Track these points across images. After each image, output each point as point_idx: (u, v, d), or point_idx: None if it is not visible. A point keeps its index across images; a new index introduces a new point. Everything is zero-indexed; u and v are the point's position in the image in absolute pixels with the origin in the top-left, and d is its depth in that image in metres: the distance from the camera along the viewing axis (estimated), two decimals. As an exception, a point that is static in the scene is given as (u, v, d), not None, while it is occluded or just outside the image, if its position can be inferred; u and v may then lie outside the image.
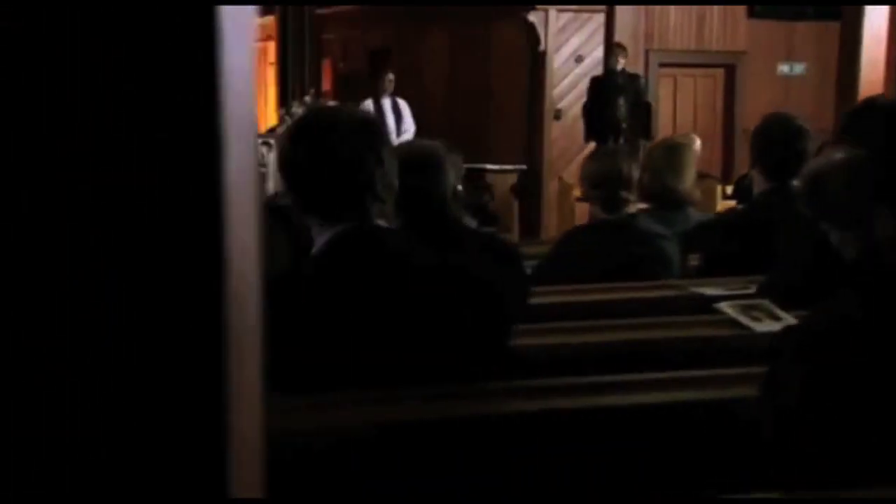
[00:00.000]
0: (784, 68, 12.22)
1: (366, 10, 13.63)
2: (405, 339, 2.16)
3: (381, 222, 2.24)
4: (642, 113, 10.61)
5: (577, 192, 8.67)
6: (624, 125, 10.29)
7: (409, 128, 11.29)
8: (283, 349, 2.13)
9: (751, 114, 10.89)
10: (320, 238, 2.21)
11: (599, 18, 11.79)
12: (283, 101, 14.36)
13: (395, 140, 10.68)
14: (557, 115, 11.76)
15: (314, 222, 2.23)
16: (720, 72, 12.32)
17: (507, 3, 11.76)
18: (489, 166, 11.44)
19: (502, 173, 11.41)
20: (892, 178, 1.65)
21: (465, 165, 11.71)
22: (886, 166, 1.67)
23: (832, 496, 1.57)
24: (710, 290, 3.55)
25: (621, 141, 10.10)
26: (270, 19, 15.28)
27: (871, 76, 9.38)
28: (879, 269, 1.71)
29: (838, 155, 2.48)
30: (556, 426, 2.26)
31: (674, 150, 4.79)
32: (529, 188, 11.42)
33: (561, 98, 11.79)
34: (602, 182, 3.79)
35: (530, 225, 10.88)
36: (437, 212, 3.03)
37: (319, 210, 2.21)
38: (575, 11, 11.75)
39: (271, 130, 11.96)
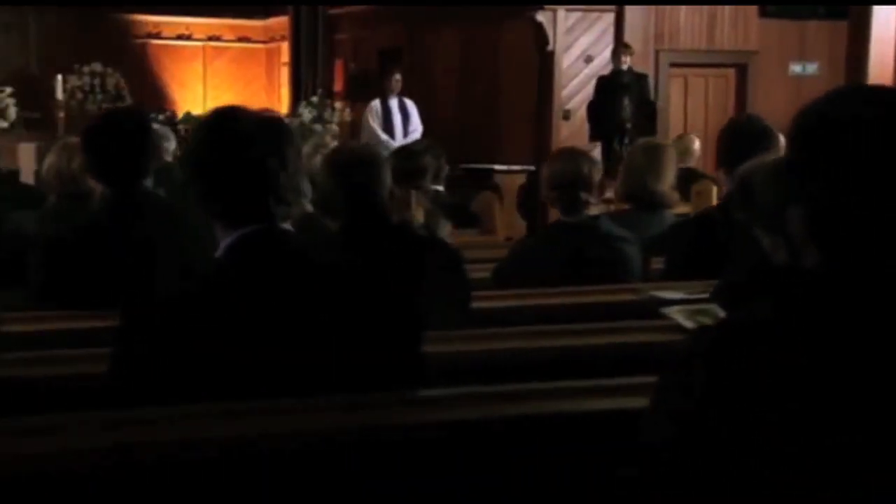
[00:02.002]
0: (796, 68, 12.09)
1: (377, 10, 13.63)
2: (306, 344, 2.11)
3: (287, 226, 2.19)
4: (647, 113, 10.51)
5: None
6: (628, 125, 10.21)
7: (417, 128, 11.24)
8: (183, 356, 2.10)
9: (763, 114, 10.69)
10: (223, 242, 2.17)
11: (609, 18, 11.71)
12: (296, 101, 14.37)
13: (402, 140, 10.64)
14: (566, 115, 11.69)
15: (218, 226, 2.19)
16: (731, 72, 12.21)
17: (516, 2, 11.69)
18: (497, 167, 11.40)
19: (510, 174, 11.35)
20: (803, 177, 1.58)
21: (473, 166, 11.67)
22: (801, 166, 1.60)
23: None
24: (669, 294, 3.49)
25: (626, 141, 10.02)
26: (284, 20, 15.29)
27: (879, 75, 9.28)
28: (795, 273, 1.64)
29: (769, 157, 2.41)
30: (467, 437, 2.20)
31: (654, 151, 4.72)
32: (536, 189, 11.34)
33: (570, 98, 11.72)
34: (562, 183, 3.73)
35: (535, 227, 10.80)
36: (376, 214, 2.99)
37: (222, 213, 2.17)
38: (584, 11, 11.68)
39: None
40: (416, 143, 7.32)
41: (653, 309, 3.29)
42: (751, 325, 1.61)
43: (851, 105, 1.49)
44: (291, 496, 2.01)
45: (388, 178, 3.03)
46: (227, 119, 2.20)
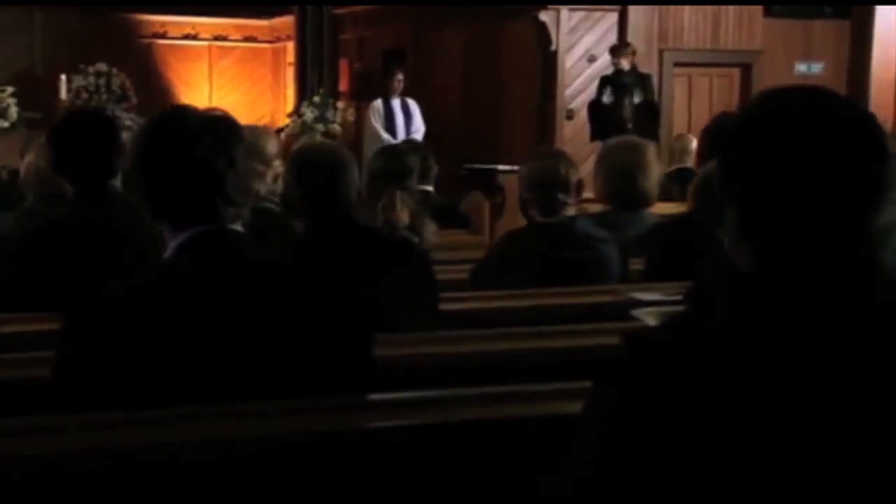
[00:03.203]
0: (801, 67, 12.02)
1: (381, 10, 13.62)
2: (253, 346, 2.08)
3: (236, 227, 2.16)
4: (651, 113, 10.46)
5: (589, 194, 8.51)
6: (630, 125, 10.16)
7: (419, 128, 11.21)
8: (128, 357, 2.07)
9: (768, 114, 10.68)
10: (171, 243, 2.15)
11: (612, 18, 11.67)
12: (302, 101, 14.36)
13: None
14: (569, 115, 11.65)
15: (167, 227, 2.16)
16: (736, 71, 12.15)
17: (519, 2, 11.66)
18: (500, 167, 11.36)
19: (513, 174, 11.30)
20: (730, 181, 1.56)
21: (476, 166, 11.59)
22: (727, 170, 1.58)
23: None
24: (647, 296, 3.45)
25: (627, 141, 9.98)
26: (289, 19, 15.27)
27: (882, 75, 9.22)
28: (733, 276, 1.60)
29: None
30: (437, 440, 2.16)
31: (638, 149, 4.66)
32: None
33: (573, 98, 11.68)
34: (539, 184, 3.70)
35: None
36: (339, 215, 2.95)
37: (169, 214, 2.14)
38: (587, 10, 11.65)
39: (279, 131, 11.96)
40: (402, 142, 7.29)
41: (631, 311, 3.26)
42: (671, 334, 1.58)
43: (768, 109, 1.47)
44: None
45: (354, 178, 2.99)
46: (173, 118, 2.17)
